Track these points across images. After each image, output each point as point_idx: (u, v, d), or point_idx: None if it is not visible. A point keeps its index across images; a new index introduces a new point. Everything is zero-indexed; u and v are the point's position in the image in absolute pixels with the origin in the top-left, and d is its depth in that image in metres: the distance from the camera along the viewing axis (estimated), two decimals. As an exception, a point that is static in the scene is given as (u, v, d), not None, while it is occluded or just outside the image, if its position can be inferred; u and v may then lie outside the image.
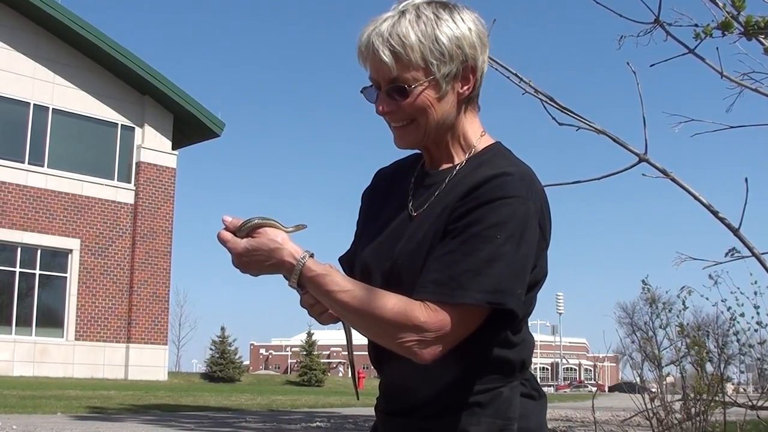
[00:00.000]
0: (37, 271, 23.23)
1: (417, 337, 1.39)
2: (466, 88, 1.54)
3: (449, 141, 1.58)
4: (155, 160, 25.44)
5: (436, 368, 1.46)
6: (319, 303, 1.48)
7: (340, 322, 1.53)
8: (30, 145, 23.26)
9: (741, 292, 6.55)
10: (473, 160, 1.56)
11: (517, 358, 1.52)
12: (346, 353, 1.62)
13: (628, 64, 4.03)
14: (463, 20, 1.51)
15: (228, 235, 1.46)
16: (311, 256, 1.45)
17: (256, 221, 1.46)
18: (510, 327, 1.47)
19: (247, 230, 1.46)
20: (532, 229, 1.45)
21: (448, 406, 1.49)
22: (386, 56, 1.48)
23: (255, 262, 1.45)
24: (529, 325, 1.59)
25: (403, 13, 1.50)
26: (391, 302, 1.40)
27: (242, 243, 1.45)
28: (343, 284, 1.43)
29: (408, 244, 1.51)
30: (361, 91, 1.56)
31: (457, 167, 1.56)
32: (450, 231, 1.45)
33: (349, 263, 1.64)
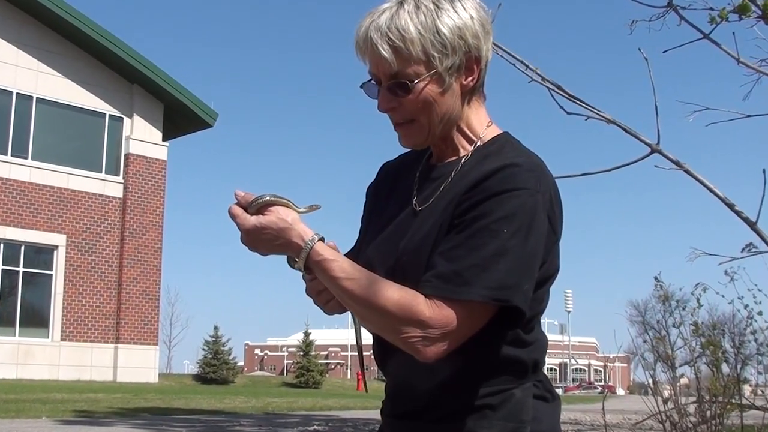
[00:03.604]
0: (21, 269, 23.16)
1: (421, 333, 1.40)
2: (470, 79, 1.53)
3: (455, 133, 1.57)
4: (145, 152, 25.37)
5: (444, 369, 1.46)
6: (326, 291, 1.51)
7: (348, 312, 1.55)
8: (13, 137, 23.18)
9: (759, 289, 6.67)
10: (479, 151, 1.55)
11: (530, 359, 1.51)
12: (355, 343, 1.58)
13: (639, 50, 4.06)
14: (464, 8, 1.50)
15: (238, 210, 1.48)
16: (321, 239, 1.46)
17: (267, 198, 1.48)
18: (517, 325, 1.46)
19: (257, 207, 1.48)
20: (541, 223, 1.44)
21: (458, 408, 1.48)
22: (386, 51, 1.47)
23: (263, 240, 1.47)
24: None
25: (401, 3, 1.49)
26: (397, 294, 1.41)
27: (251, 220, 1.47)
28: (350, 271, 1.44)
29: (412, 240, 1.51)
30: (361, 86, 1.56)
31: (463, 159, 1.56)
32: (456, 225, 1.45)
33: (354, 260, 1.59)
